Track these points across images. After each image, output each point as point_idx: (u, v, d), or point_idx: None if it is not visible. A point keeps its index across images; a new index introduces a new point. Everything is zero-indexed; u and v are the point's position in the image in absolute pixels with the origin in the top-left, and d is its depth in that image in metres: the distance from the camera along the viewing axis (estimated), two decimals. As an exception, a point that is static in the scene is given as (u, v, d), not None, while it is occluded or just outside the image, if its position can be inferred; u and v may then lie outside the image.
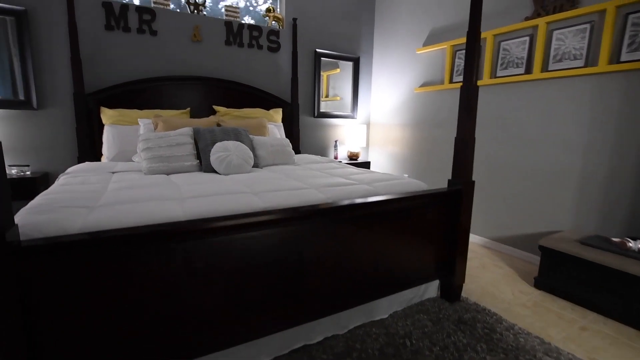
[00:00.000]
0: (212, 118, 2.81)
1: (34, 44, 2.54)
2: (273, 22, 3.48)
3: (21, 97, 2.54)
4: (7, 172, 2.50)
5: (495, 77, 2.75)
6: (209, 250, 1.23)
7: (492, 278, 2.32)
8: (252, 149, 2.51)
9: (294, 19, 3.44)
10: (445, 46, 3.16)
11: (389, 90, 3.91)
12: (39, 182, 2.52)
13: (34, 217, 1.13)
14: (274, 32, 3.43)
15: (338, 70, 3.94)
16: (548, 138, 2.45)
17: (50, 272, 1.00)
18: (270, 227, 1.34)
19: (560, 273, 2.06)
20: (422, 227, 1.81)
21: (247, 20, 3.54)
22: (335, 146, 3.90)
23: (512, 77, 2.61)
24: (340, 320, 1.64)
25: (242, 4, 3.48)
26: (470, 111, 1.77)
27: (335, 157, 3.88)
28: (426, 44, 3.40)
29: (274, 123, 3.27)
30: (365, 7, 3.96)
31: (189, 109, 3.02)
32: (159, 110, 2.86)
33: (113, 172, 2.17)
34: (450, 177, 2.06)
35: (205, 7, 3.13)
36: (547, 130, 2.45)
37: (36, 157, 2.65)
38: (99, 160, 2.69)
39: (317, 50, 3.68)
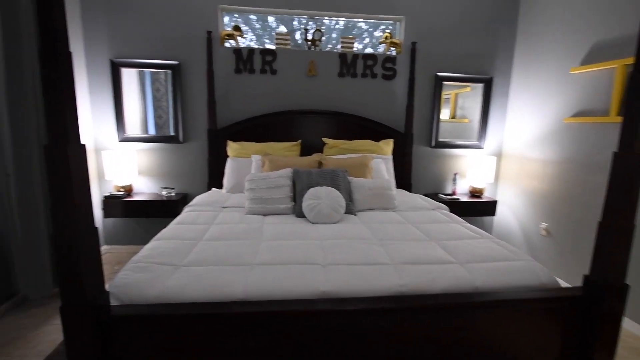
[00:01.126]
0: (314, 156, 2.86)
1: (183, 90, 3.08)
2: (391, 48, 3.30)
3: (172, 133, 3.13)
4: (159, 192, 3.12)
5: (698, 114, 1.90)
6: (262, 331, 1.22)
7: (661, 412, 1.61)
8: (349, 191, 2.43)
9: (413, 43, 3.17)
10: (615, 65, 2.36)
11: (529, 118, 3.21)
12: (180, 203, 3.06)
13: (127, 277, 1.34)
14: (389, 59, 3.25)
15: (469, 89, 3.46)
16: None
17: (124, 337, 1.15)
18: (326, 316, 1.23)
19: None
20: (535, 332, 1.38)
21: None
22: (454, 180, 3.44)
23: None
24: None
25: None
26: (629, 191, 1.24)
27: (454, 193, 3.43)
28: (585, 62, 2.63)
29: (381, 156, 3.10)
30: (505, 19, 3.34)
31: (300, 141, 3.15)
32: (273, 142, 3.08)
33: (224, 207, 2.44)
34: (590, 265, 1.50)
35: (320, 42, 3.21)
36: None
37: (180, 181, 3.23)
38: (222, 188, 3.07)
39: (437, 74, 3.31)
